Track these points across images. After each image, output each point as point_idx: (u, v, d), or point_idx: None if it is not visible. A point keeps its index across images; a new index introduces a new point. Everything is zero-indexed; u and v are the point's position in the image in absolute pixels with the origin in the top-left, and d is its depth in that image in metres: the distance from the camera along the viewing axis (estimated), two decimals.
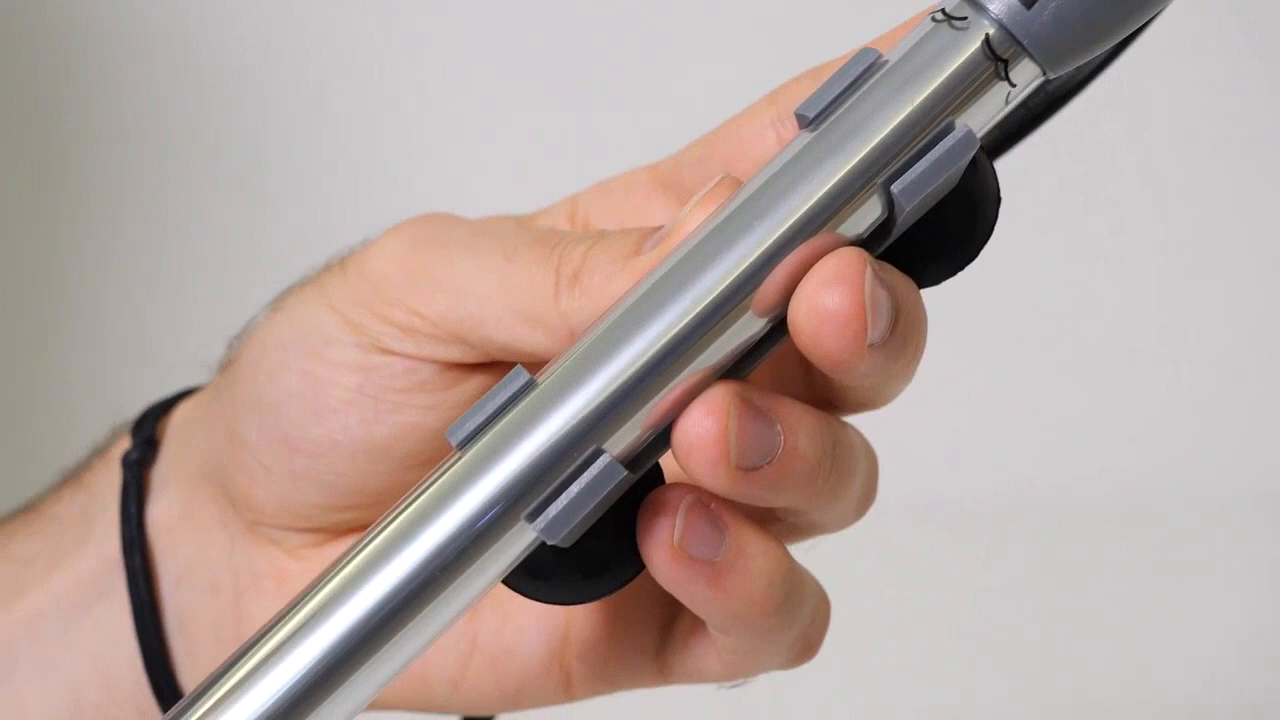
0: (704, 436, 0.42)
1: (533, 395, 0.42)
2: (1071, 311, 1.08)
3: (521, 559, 0.43)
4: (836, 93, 0.42)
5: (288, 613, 0.43)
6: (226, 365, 0.53)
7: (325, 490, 0.51)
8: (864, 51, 0.42)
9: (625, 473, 0.42)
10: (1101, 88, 1.15)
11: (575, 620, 0.51)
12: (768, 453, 0.43)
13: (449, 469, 0.42)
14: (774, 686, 0.98)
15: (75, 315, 1.17)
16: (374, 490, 0.51)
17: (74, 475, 0.58)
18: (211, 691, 0.42)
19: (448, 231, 0.49)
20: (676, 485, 0.44)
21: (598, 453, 0.41)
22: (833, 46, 1.16)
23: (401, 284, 0.48)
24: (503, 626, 0.51)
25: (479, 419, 0.42)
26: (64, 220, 1.16)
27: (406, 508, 0.42)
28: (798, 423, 0.44)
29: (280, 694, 0.42)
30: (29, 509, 0.58)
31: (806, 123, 0.42)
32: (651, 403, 0.42)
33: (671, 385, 0.42)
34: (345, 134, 1.16)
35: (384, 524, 0.42)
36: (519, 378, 0.42)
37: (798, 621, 0.47)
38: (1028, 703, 1.04)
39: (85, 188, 1.16)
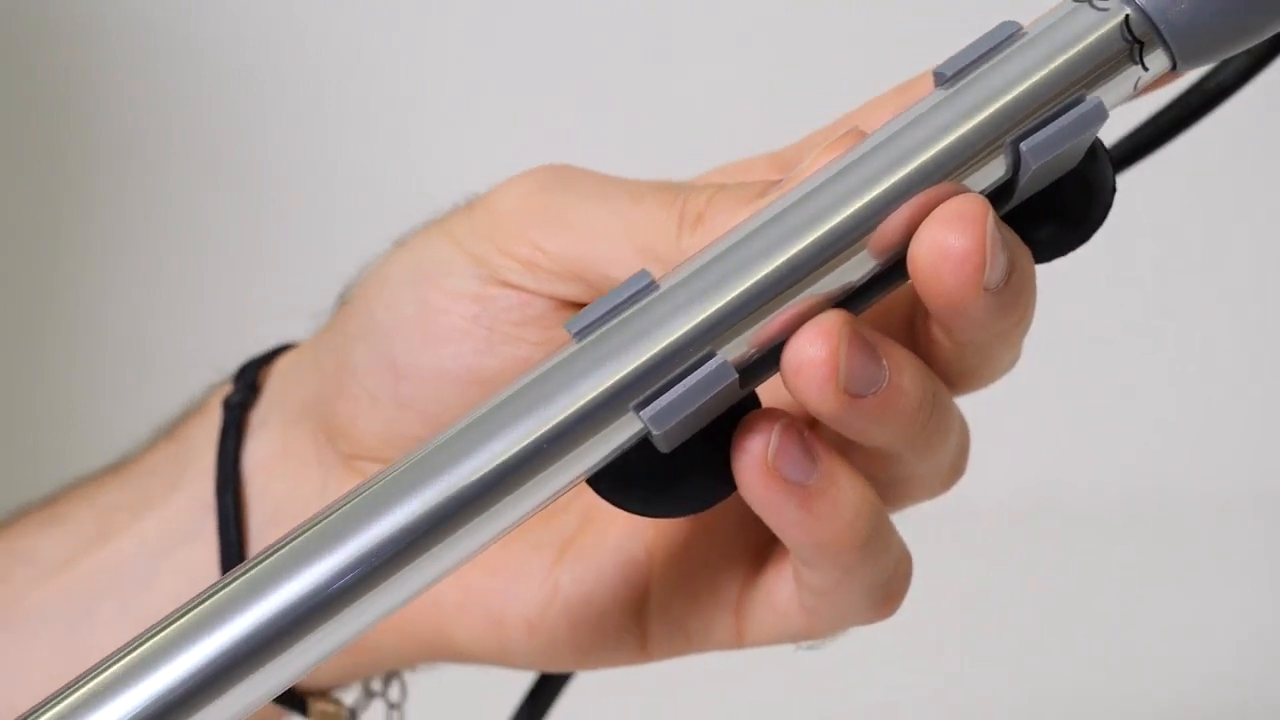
0: (815, 356, 0.43)
1: (655, 294, 0.43)
2: (1073, 311, 1.08)
3: (620, 451, 0.44)
4: (976, 55, 0.44)
5: (399, 465, 0.43)
6: (341, 306, 0.54)
7: (427, 421, 0.51)
8: (1005, 23, 0.44)
9: (735, 376, 0.43)
10: None
11: (657, 570, 0.52)
12: (873, 382, 0.44)
13: (564, 355, 0.43)
14: (778, 686, 0.98)
15: (80, 316, 1.17)
16: None
17: (166, 430, 0.58)
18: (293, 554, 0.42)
19: (574, 176, 0.51)
20: (773, 409, 0.45)
21: (711, 355, 0.43)
22: (834, 48, 1.16)
23: (527, 220, 0.50)
24: (585, 574, 0.52)
25: (598, 312, 0.43)
26: (67, 222, 1.16)
27: (521, 385, 0.43)
28: (903, 362, 0.45)
29: (391, 533, 0.42)
30: (118, 463, 0.59)
31: (943, 80, 0.44)
32: (767, 316, 0.43)
33: (787, 304, 0.43)
34: (352, 136, 1.17)
35: (495, 399, 0.43)
36: (642, 278, 0.43)
37: (882, 563, 0.48)
38: (1028, 701, 1.04)
39: (88, 189, 1.16)
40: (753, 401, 0.45)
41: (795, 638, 0.51)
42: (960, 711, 1.05)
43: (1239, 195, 1.17)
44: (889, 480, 0.49)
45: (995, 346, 0.47)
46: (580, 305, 0.50)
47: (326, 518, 0.42)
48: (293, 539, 0.42)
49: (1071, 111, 0.44)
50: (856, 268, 0.44)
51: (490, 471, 0.42)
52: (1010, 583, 1.09)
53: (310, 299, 1.22)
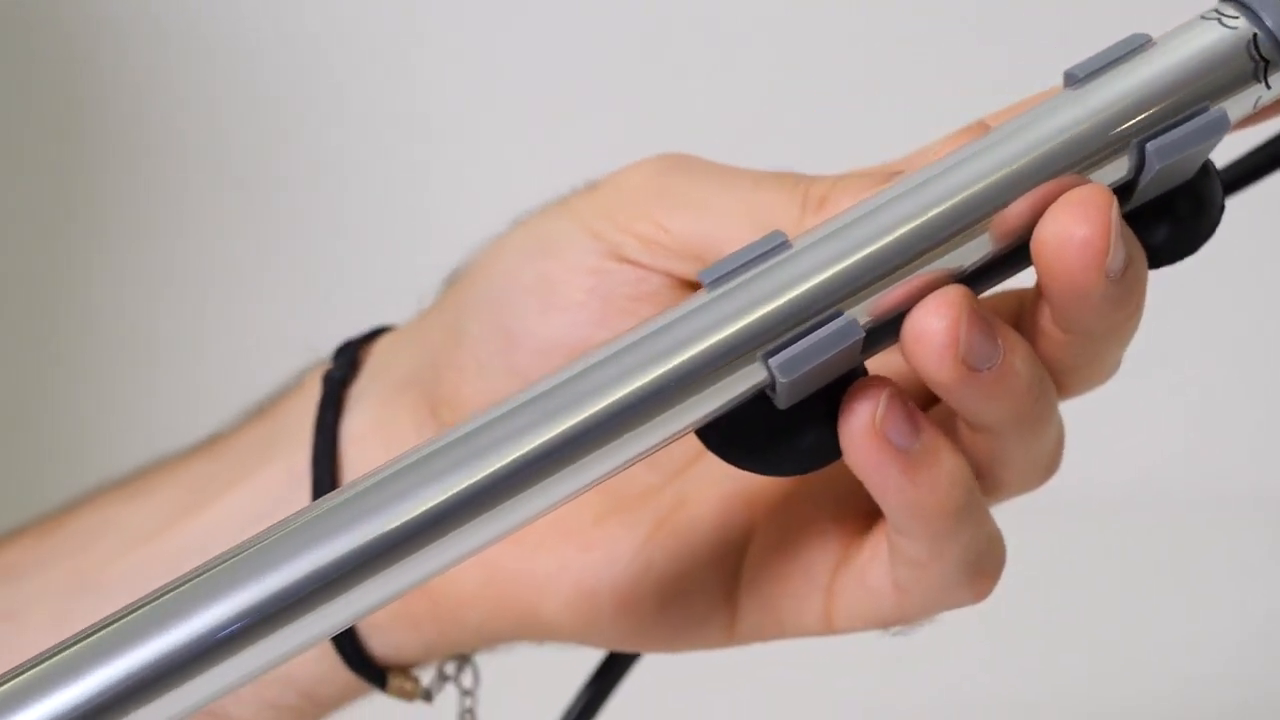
0: (937, 325, 0.45)
1: (789, 252, 0.45)
2: None
3: (739, 402, 0.45)
4: (1107, 61, 0.46)
5: (528, 392, 0.44)
6: (451, 283, 0.55)
7: None
8: (1135, 35, 0.47)
9: (862, 334, 0.45)
10: None
11: (750, 550, 0.53)
12: (989, 358, 0.46)
13: (699, 301, 0.45)
14: (785, 685, 0.98)
15: (89, 316, 1.17)
16: None
17: (259, 409, 0.59)
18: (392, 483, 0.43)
19: (695, 162, 0.52)
20: (883, 377, 0.47)
21: (839, 313, 0.44)
22: (833, 49, 1.16)
23: (649, 199, 0.51)
24: (678, 552, 0.53)
25: (732, 265, 0.45)
26: (80, 224, 1.16)
27: (656, 325, 0.45)
28: (1016, 344, 0.47)
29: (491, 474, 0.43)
30: (207, 440, 0.60)
31: (1074, 81, 0.46)
32: (893, 282, 0.45)
33: (912, 273, 0.45)
34: (362, 138, 1.17)
35: (630, 335, 0.45)
36: (776, 237, 0.45)
37: (975, 536, 0.49)
38: (1030, 699, 1.05)
39: (99, 189, 1.16)
40: (862, 374, 0.47)
41: (886, 620, 0.52)
42: (962, 710, 1.05)
43: (1241, 194, 1.17)
44: (989, 463, 0.50)
45: (1103, 343, 0.48)
46: (694, 284, 0.51)
47: (448, 439, 0.43)
48: (408, 460, 0.43)
49: (1197, 119, 0.46)
50: (978, 248, 0.46)
51: (618, 402, 0.44)
52: (1011, 582, 1.09)
53: (320, 302, 1.22)
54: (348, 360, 0.58)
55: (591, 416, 0.43)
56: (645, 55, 1.17)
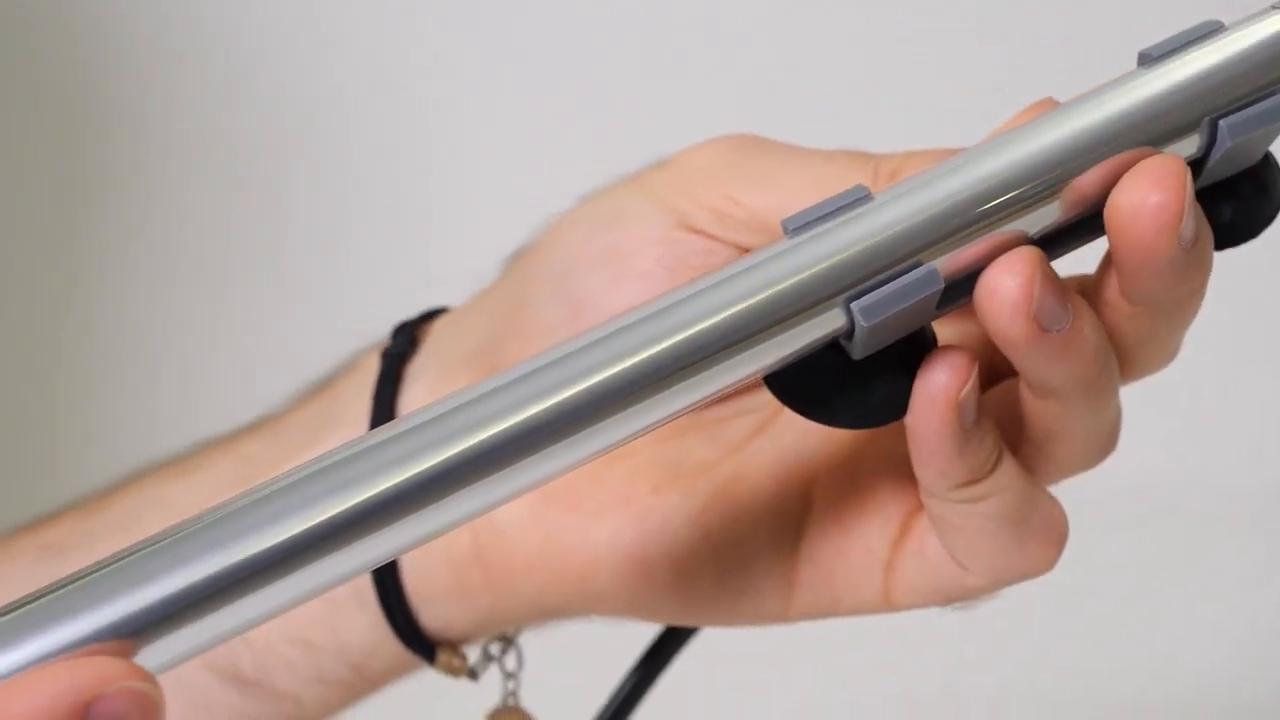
0: (1010, 283, 0.46)
1: (872, 203, 0.46)
2: None
3: (815, 347, 0.46)
4: (1179, 44, 0.47)
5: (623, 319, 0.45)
6: (515, 259, 0.56)
7: None
8: (1208, 20, 0.47)
9: (941, 284, 0.46)
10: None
11: (809, 523, 0.54)
12: (1059, 320, 0.47)
13: (781, 246, 0.46)
14: (790, 682, 0.99)
15: (97, 315, 1.17)
16: None
17: (312, 391, 0.60)
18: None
19: (764, 140, 0.53)
20: (960, 346, 0.48)
21: (918, 263, 0.46)
22: (833, 50, 1.16)
23: (720, 173, 0.52)
24: (736, 522, 0.54)
25: (814, 215, 0.46)
26: (88, 224, 1.17)
27: (739, 266, 0.46)
28: (1084, 311, 0.48)
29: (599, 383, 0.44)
30: (261, 419, 0.60)
31: (1148, 60, 0.47)
32: (971, 238, 0.46)
33: (989, 230, 0.46)
34: (374, 140, 1.17)
35: (714, 275, 0.45)
36: (858, 190, 0.46)
37: (1032, 502, 0.50)
38: (1032, 698, 1.05)
39: (108, 192, 1.16)
40: (930, 339, 0.48)
41: (947, 593, 0.52)
42: (962, 705, 1.05)
43: None
44: (1050, 436, 0.50)
45: (1166, 318, 0.49)
46: None
47: (521, 373, 0.44)
48: (478, 391, 0.43)
49: (1269, 99, 0.47)
50: (1049, 214, 0.47)
51: (699, 335, 0.44)
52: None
53: (329, 301, 1.22)
54: (406, 338, 0.58)
55: (671, 349, 0.44)
56: (645, 56, 1.17)
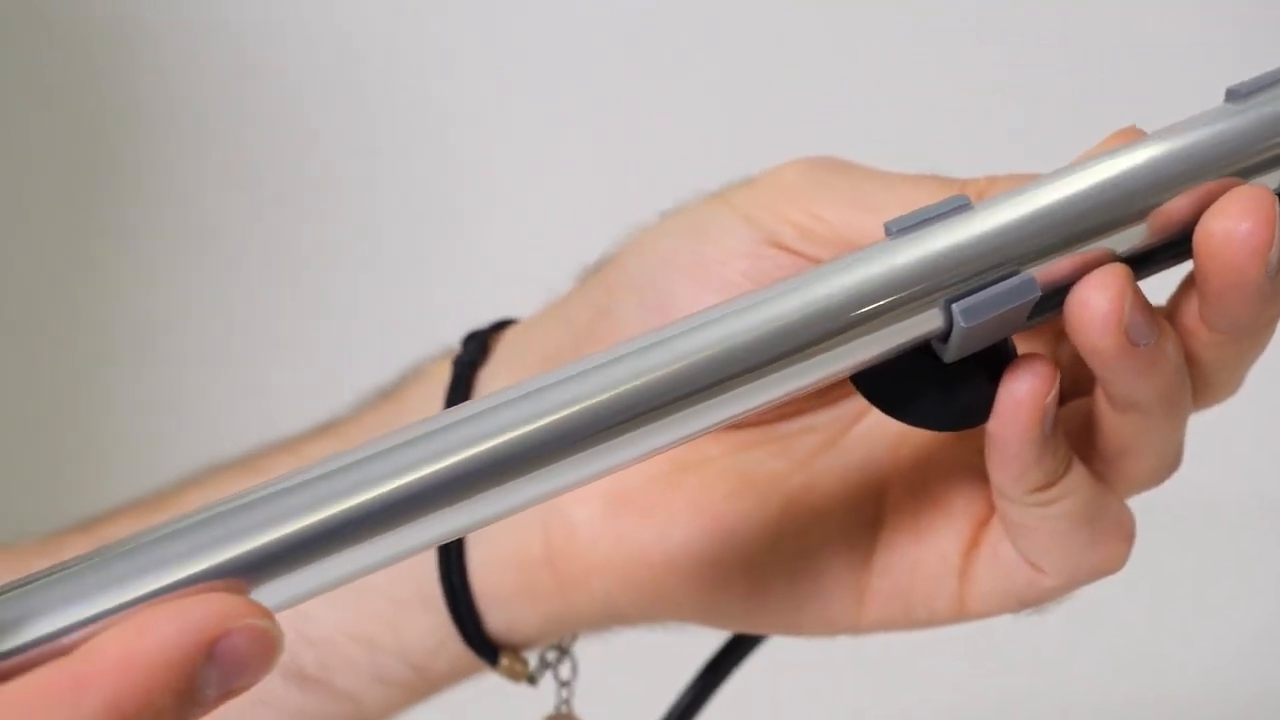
0: (1102, 296, 0.47)
1: (973, 211, 0.48)
2: None
3: (908, 346, 0.48)
4: (1269, 82, 0.49)
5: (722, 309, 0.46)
6: (595, 271, 0.57)
7: None
8: None
9: (1038, 293, 0.47)
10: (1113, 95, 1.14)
11: (883, 530, 0.55)
12: (1147, 334, 0.48)
13: (883, 244, 0.47)
14: (800, 686, 0.99)
15: (114, 321, 1.17)
16: None
17: (380, 396, 0.60)
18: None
19: (848, 162, 0.54)
20: (1042, 354, 0.50)
21: (1016, 271, 0.47)
22: (841, 49, 1.16)
23: (807, 191, 0.53)
24: (810, 529, 0.55)
25: (916, 219, 0.48)
26: (105, 223, 1.17)
27: (840, 262, 0.47)
28: (1167, 329, 0.50)
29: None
30: (327, 424, 0.61)
31: (1236, 96, 0.49)
32: (1068, 250, 0.48)
33: (1081, 246, 0.48)
34: (389, 142, 1.17)
35: (811, 272, 0.47)
36: (959, 199, 0.48)
37: (1102, 502, 0.52)
38: (1032, 699, 1.05)
39: (126, 191, 1.17)
40: (1012, 351, 0.50)
41: (1021, 597, 0.54)
42: (965, 710, 1.05)
43: None
44: (1125, 451, 0.52)
45: (1242, 345, 0.51)
46: None
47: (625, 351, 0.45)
48: (580, 365, 0.44)
49: None
50: (1136, 236, 0.48)
51: (795, 325, 0.46)
52: None
53: (350, 315, 1.22)
54: (478, 346, 0.59)
55: (774, 335, 0.45)
56: (647, 56, 1.17)
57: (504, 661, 0.59)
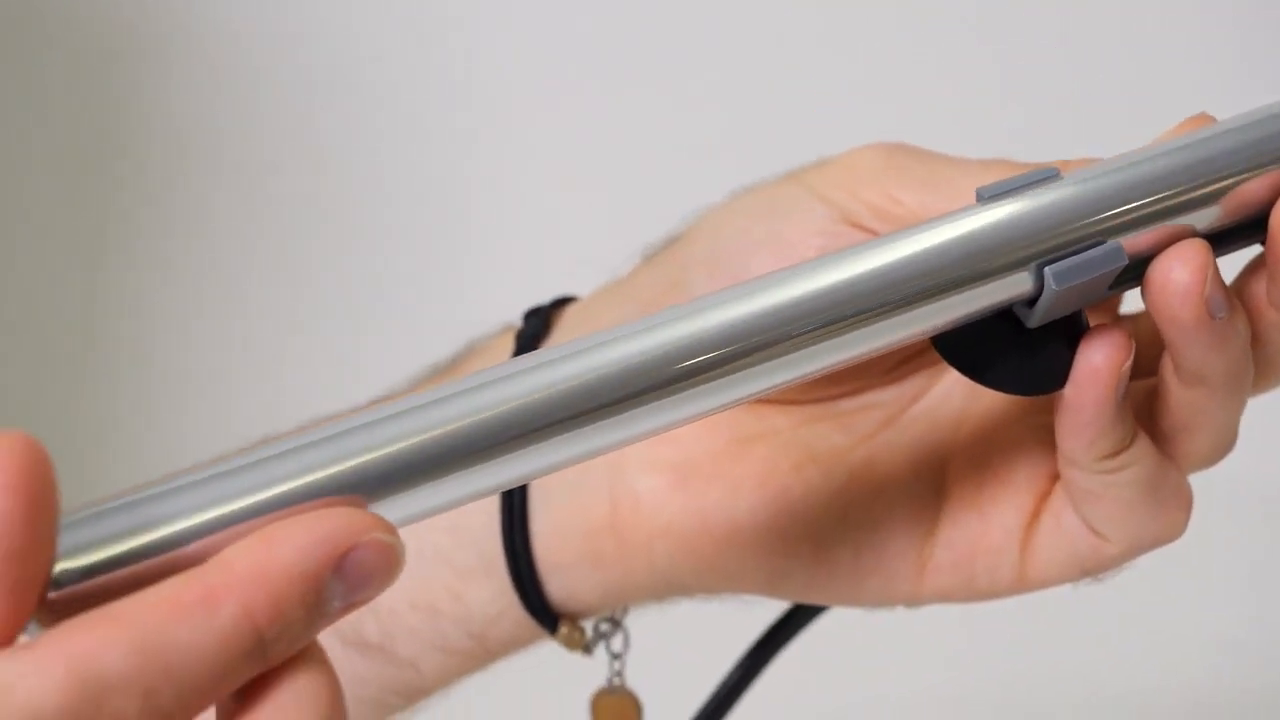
0: (1184, 270, 0.49)
1: (1063, 180, 0.49)
2: None
3: (997, 307, 0.49)
4: None
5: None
6: (661, 248, 0.58)
7: None
8: None
9: (1125, 261, 0.49)
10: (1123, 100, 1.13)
11: (945, 503, 0.56)
12: (1222, 308, 0.50)
13: (981, 208, 0.49)
14: (806, 683, 0.99)
15: (124, 327, 1.17)
16: None
17: (439, 370, 0.62)
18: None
19: (920, 149, 0.56)
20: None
21: (1103, 240, 0.49)
22: (841, 49, 1.16)
23: (881, 172, 0.55)
24: (874, 500, 0.57)
25: (1008, 186, 0.49)
26: (112, 225, 1.17)
27: (937, 222, 0.48)
28: (1238, 308, 0.51)
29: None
30: (383, 397, 0.61)
31: None
32: (1151, 223, 0.50)
33: (1164, 221, 0.50)
34: (398, 142, 1.17)
35: (909, 230, 0.48)
36: (1048, 170, 0.50)
37: (1162, 468, 0.53)
38: (1031, 696, 1.05)
39: (135, 193, 1.17)
40: (1086, 324, 0.51)
41: (1083, 564, 0.55)
42: (963, 704, 1.05)
43: None
44: (1189, 426, 0.53)
45: None
46: None
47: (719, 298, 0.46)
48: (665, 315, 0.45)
49: None
50: (1212, 215, 0.50)
51: (889, 274, 0.47)
52: None
53: (349, 311, 1.22)
54: (540, 321, 0.60)
55: (867, 289, 0.47)
56: (647, 57, 1.17)
57: (562, 630, 0.60)
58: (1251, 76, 1.13)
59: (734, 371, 0.45)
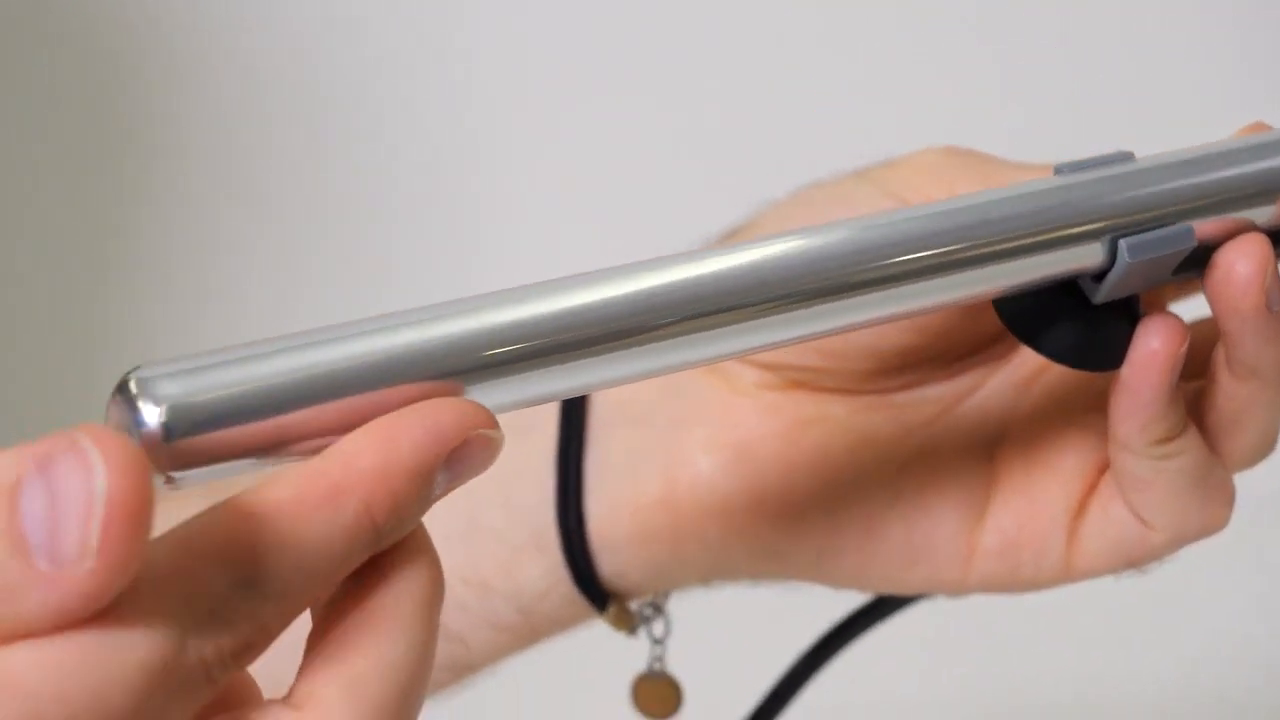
0: (1246, 262, 0.51)
1: (1138, 162, 0.51)
2: None
3: (1064, 277, 0.50)
4: None
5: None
6: (725, 238, 0.59)
7: None
8: None
9: (1194, 243, 0.51)
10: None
11: (994, 493, 0.58)
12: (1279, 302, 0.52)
13: (1058, 180, 0.50)
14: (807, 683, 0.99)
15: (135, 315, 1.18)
16: (857, 349, 0.57)
17: None
18: None
19: (981, 152, 0.57)
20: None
21: (1174, 221, 0.51)
22: (840, 50, 1.16)
23: (948, 170, 0.56)
24: (926, 487, 0.58)
25: (1084, 164, 0.51)
26: (118, 227, 1.17)
27: (1015, 186, 0.50)
28: None
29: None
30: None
31: None
32: (1219, 211, 0.51)
33: (1234, 210, 0.51)
34: (406, 147, 1.17)
35: (992, 191, 0.50)
36: (1123, 153, 0.51)
37: (1208, 462, 0.55)
38: (1030, 695, 1.05)
39: (140, 196, 1.17)
40: (1141, 310, 0.53)
41: (1129, 555, 0.57)
42: (963, 704, 1.05)
43: None
44: (1237, 421, 0.55)
45: None
46: None
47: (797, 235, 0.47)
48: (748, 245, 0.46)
49: None
50: (1267, 213, 0.52)
51: (980, 231, 0.48)
52: None
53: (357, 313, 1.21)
54: None
55: (950, 236, 0.48)
56: (646, 57, 1.17)
57: (611, 609, 0.60)
58: (1251, 76, 1.13)
59: (848, 295, 0.46)
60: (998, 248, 0.48)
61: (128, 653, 0.36)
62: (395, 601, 0.40)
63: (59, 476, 0.35)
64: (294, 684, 0.40)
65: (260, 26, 1.16)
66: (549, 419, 0.59)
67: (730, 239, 0.59)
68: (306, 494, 0.39)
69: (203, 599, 0.37)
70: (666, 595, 0.62)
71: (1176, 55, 1.14)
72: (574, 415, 0.59)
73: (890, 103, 1.14)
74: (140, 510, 0.35)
